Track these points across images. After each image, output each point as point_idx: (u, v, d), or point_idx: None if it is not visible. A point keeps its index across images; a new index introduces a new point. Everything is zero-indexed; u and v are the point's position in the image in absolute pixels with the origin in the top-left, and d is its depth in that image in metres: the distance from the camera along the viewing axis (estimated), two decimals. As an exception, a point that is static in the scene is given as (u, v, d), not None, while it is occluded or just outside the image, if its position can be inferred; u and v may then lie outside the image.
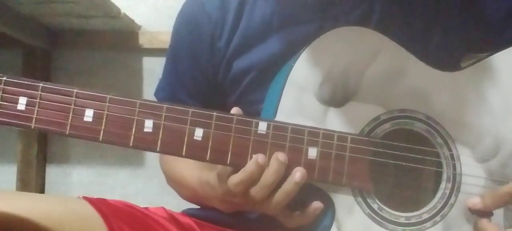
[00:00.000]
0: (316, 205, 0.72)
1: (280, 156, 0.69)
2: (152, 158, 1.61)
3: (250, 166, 0.69)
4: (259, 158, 0.69)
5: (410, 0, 0.85)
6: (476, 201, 0.72)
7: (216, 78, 0.91)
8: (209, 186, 0.77)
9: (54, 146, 1.67)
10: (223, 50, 0.89)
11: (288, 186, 0.70)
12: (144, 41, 1.62)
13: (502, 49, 0.77)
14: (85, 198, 0.80)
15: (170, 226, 0.85)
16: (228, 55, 0.88)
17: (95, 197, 0.81)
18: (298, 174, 0.70)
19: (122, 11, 1.48)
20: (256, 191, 0.70)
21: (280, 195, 0.70)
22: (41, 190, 1.65)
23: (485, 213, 0.72)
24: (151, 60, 1.65)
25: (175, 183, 0.94)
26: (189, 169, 0.87)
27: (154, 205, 0.90)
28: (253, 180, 0.69)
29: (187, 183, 0.87)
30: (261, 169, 0.69)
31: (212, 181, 0.75)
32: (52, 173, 1.68)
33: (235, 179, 0.70)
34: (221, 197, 0.74)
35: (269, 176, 0.69)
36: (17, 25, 1.47)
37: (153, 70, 1.62)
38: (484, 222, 0.71)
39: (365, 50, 0.74)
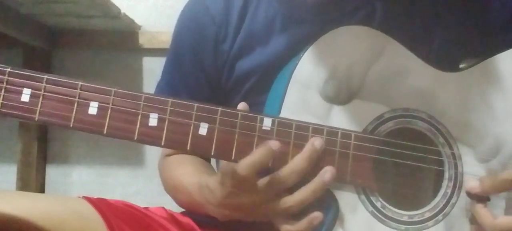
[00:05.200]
0: (316, 214, 0.69)
1: (316, 143, 0.69)
2: (152, 158, 1.60)
3: (259, 149, 0.67)
4: (271, 142, 0.68)
5: (413, 1, 0.85)
6: (474, 185, 0.72)
7: (219, 81, 0.91)
8: (208, 190, 0.75)
9: (54, 146, 1.67)
10: (227, 52, 0.88)
11: (316, 184, 0.68)
12: (144, 41, 1.62)
13: (504, 51, 0.78)
14: (85, 198, 0.80)
15: (170, 226, 0.84)
16: (231, 57, 0.88)
17: (95, 197, 0.81)
18: (328, 174, 0.68)
19: (122, 11, 1.48)
20: (283, 175, 0.68)
21: (305, 193, 0.68)
22: (41, 190, 1.64)
23: (482, 198, 0.72)
24: (151, 60, 1.65)
25: (172, 189, 0.93)
26: (188, 176, 0.86)
27: (154, 205, 0.90)
28: (263, 162, 0.67)
29: (185, 189, 0.85)
30: (270, 152, 0.67)
31: (211, 185, 0.74)
32: (52, 173, 1.68)
33: (245, 161, 0.67)
34: (221, 200, 0.73)
35: (302, 160, 0.68)
36: (17, 25, 1.47)
37: (153, 70, 1.62)
38: (478, 206, 0.72)
39: (369, 49, 0.75)
